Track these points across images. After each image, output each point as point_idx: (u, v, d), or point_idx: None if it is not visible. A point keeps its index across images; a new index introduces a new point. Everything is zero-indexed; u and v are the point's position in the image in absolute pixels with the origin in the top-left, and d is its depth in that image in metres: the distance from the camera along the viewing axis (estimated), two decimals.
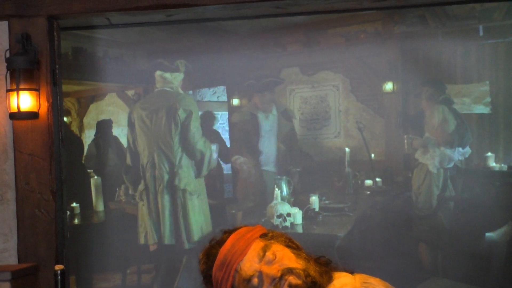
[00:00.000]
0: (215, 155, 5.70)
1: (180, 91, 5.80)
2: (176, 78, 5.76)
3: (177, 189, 5.44)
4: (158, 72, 5.68)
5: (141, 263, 5.91)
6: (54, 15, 4.03)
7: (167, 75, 5.70)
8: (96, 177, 6.04)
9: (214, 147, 5.65)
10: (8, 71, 3.89)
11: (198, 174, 5.51)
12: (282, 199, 5.48)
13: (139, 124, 5.59)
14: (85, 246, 5.66)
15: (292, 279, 1.79)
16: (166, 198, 5.44)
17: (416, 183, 5.74)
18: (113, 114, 6.43)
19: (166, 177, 5.46)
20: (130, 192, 5.68)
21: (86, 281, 5.67)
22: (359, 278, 1.90)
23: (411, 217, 5.78)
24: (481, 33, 5.62)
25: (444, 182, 5.65)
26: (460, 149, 5.62)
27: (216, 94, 8.05)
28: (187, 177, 5.48)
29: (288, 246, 1.90)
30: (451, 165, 5.63)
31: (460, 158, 5.65)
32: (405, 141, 5.92)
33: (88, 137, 6.48)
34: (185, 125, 5.47)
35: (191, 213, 5.43)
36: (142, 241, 5.60)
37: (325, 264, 1.93)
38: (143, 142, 5.57)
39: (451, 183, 5.66)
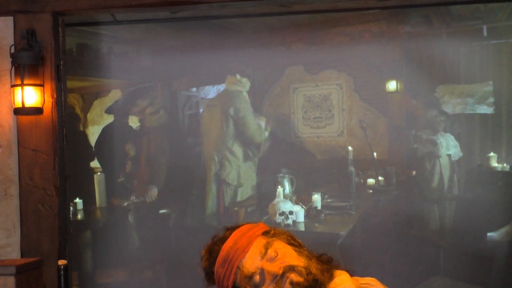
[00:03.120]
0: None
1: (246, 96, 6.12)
2: (245, 85, 6.07)
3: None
4: (238, 76, 6.03)
5: (142, 259, 5.92)
6: (59, 11, 4.04)
7: (244, 79, 6.04)
8: (99, 173, 6.05)
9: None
10: (13, 67, 3.90)
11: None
12: (285, 197, 5.49)
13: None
14: (88, 241, 5.68)
15: (293, 277, 1.79)
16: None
17: (428, 169, 5.75)
18: None
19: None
20: None
21: (88, 277, 5.68)
22: (357, 278, 1.91)
23: (414, 215, 5.78)
24: (485, 34, 5.62)
25: (451, 166, 5.67)
26: (451, 149, 5.66)
27: (220, 91, 8.05)
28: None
29: (290, 244, 1.91)
30: (457, 150, 5.65)
31: (452, 159, 5.68)
32: (411, 137, 5.94)
33: (91, 133, 6.49)
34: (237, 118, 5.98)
35: None
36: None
37: (326, 262, 1.93)
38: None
39: (456, 175, 5.69)
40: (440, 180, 5.72)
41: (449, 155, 5.69)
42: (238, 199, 5.91)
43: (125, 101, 6.05)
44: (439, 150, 5.69)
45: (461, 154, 5.67)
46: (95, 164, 6.27)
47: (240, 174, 5.97)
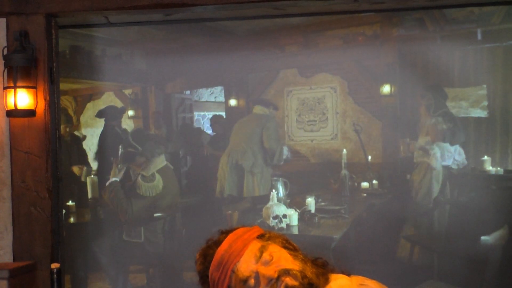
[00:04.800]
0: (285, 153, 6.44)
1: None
2: (271, 112, 6.39)
3: None
4: (259, 107, 6.43)
5: (134, 262, 5.89)
6: (52, 13, 4.01)
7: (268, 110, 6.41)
8: (92, 175, 6.02)
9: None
10: (6, 68, 3.87)
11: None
12: (278, 200, 5.48)
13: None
14: (81, 244, 5.65)
15: (288, 280, 1.78)
16: None
17: (416, 180, 5.73)
18: None
19: None
20: None
21: (81, 280, 5.65)
22: (355, 280, 1.89)
23: (408, 219, 5.78)
24: (479, 37, 5.63)
25: (444, 178, 5.65)
26: (456, 156, 5.62)
27: (214, 94, 8.05)
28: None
29: (285, 247, 1.89)
30: (451, 161, 5.63)
31: (455, 167, 5.65)
32: (401, 145, 5.92)
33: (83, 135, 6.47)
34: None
35: None
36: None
37: (322, 266, 1.91)
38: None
39: (449, 183, 5.67)
40: (427, 193, 5.71)
41: (446, 166, 5.66)
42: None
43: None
44: (432, 161, 5.68)
45: (465, 162, 5.65)
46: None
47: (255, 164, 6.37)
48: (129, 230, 5.63)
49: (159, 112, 6.99)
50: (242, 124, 6.58)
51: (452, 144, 5.62)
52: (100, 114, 6.23)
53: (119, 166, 5.74)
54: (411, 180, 5.82)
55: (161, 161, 5.74)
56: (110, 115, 6.16)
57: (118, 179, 5.70)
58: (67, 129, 6.11)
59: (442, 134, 5.63)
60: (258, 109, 6.34)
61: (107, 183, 5.68)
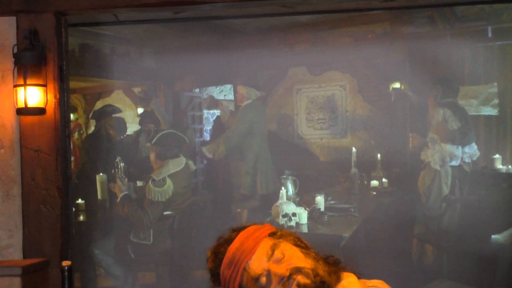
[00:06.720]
0: None
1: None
2: (255, 92, 6.23)
3: None
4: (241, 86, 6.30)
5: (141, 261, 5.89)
6: (62, 11, 4.02)
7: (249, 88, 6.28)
8: (101, 173, 6.01)
9: None
10: (16, 67, 3.88)
11: None
12: (288, 198, 5.47)
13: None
14: (90, 243, 5.66)
15: (300, 279, 1.77)
16: None
17: (425, 183, 5.71)
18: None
19: None
20: None
21: (90, 278, 5.66)
22: (365, 281, 1.88)
23: (418, 218, 5.75)
24: (489, 35, 5.60)
25: (452, 181, 5.62)
26: (466, 149, 5.59)
27: (223, 92, 8.04)
28: None
29: (297, 245, 1.88)
30: (455, 163, 5.60)
31: (467, 160, 5.61)
32: (410, 139, 5.90)
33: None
34: None
35: None
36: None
37: (333, 264, 1.90)
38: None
39: (458, 183, 5.64)
40: (438, 196, 5.68)
41: (455, 166, 5.63)
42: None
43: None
44: (431, 161, 5.64)
45: (478, 153, 5.61)
46: None
47: None
48: (137, 231, 5.62)
49: (184, 111, 6.95)
50: (260, 116, 6.48)
51: (463, 145, 5.59)
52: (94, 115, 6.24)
53: (121, 178, 5.72)
54: (418, 185, 5.79)
55: (175, 165, 5.69)
56: (101, 115, 6.15)
57: (127, 192, 5.68)
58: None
59: (451, 135, 5.60)
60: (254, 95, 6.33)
61: (118, 199, 5.66)
